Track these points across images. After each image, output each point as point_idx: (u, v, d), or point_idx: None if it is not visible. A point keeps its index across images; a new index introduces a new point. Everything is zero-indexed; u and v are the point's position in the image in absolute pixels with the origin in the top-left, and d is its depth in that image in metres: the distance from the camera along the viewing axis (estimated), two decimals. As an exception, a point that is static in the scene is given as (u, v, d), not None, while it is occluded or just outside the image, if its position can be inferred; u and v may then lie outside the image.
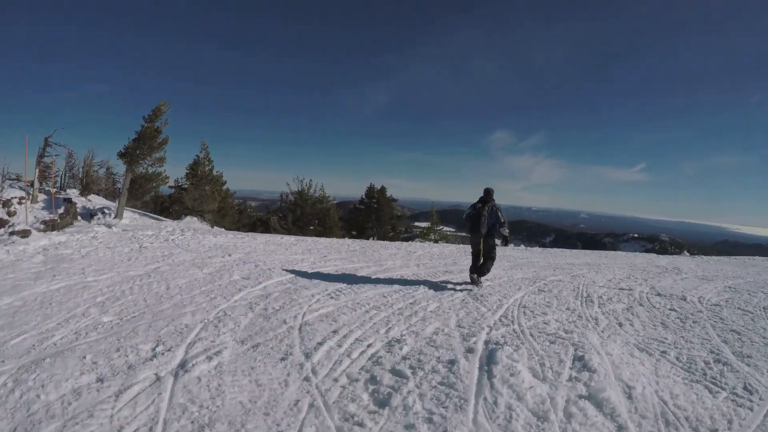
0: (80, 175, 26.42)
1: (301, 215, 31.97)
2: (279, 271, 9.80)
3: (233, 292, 7.76)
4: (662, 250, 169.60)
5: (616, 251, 22.06)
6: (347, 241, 17.54)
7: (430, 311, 7.03)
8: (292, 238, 16.82)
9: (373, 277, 9.78)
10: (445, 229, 42.12)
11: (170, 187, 30.10)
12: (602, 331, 6.48)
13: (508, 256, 15.17)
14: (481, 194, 9.62)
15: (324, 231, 31.58)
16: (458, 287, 9.14)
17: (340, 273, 10.07)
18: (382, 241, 18.23)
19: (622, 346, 5.81)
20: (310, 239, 16.91)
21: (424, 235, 38.91)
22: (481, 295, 8.38)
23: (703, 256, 21.11)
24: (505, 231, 9.31)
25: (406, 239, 39.48)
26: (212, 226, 24.97)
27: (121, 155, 21.24)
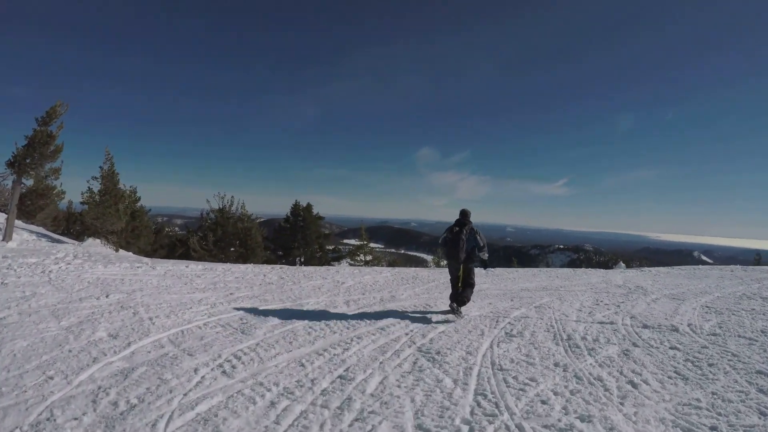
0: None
1: (222, 235, 29.26)
2: (162, 322, 7.32)
3: (83, 366, 5.23)
4: (587, 259, 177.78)
5: (564, 269, 20.67)
6: (264, 269, 15.04)
7: (370, 394, 4.76)
8: (199, 267, 14.23)
9: (289, 325, 7.46)
10: (374, 246, 40.80)
11: (82, 202, 26.45)
12: (621, 403, 4.62)
13: (446, 282, 13.30)
14: (457, 216, 9.09)
15: (246, 253, 28.96)
16: (404, 332, 7.30)
17: (244, 322, 7.64)
18: (305, 268, 15.93)
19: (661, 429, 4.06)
20: (220, 268, 14.38)
21: (352, 255, 36.96)
22: (438, 352, 6.27)
23: (647, 269, 20.11)
24: (485, 255, 8.93)
25: (335, 258, 37.38)
26: (117, 250, 21.96)
27: (9, 164, 18.14)
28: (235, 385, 4.85)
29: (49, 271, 11.31)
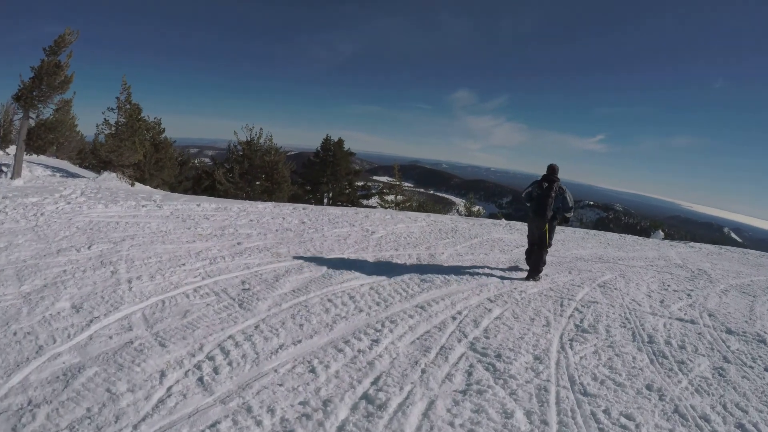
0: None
1: (249, 168, 27.76)
2: (142, 287, 5.75)
3: (21, 361, 3.72)
4: (616, 219, 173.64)
5: (611, 234, 18.58)
6: (285, 209, 13.36)
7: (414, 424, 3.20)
8: (212, 206, 12.61)
9: (302, 296, 5.87)
10: (405, 184, 39.28)
11: (97, 134, 24.31)
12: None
13: (491, 240, 11.65)
14: (544, 172, 8.24)
15: (272, 187, 27.47)
16: (450, 315, 5.70)
17: (246, 288, 6.07)
18: (331, 209, 14.25)
19: None
20: (235, 207, 12.75)
21: (382, 194, 35.35)
22: (498, 354, 4.59)
23: (694, 244, 17.83)
24: (570, 215, 8.27)
25: (364, 196, 35.83)
26: (132, 184, 20.56)
27: (17, 98, 16.65)
28: (210, 410, 3.24)
29: (41, 214, 9.80)
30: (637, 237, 18.53)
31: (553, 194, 7.88)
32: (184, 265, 6.91)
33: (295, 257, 7.86)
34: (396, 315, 5.47)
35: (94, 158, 21.95)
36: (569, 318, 6.05)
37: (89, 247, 7.43)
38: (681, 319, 6.51)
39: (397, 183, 34.46)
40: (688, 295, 8.17)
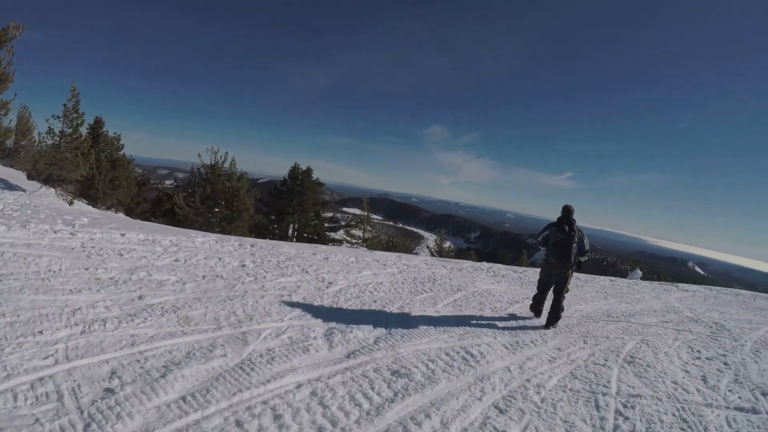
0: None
1: (211, 193, 25.20)
2: None
3: None
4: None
5: (603, 277, 16.70)
6: (228, 245, 10.64)
7: None
8: (140, 236, 9.86)
9: (194, 415, 3.38)
10: (373, 217, 37.32)
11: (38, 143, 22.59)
12: None
13: (479, 293, 9.38)
14: (560, 214, 7.67)
15: (231, 215, 24.90)
16: None
17: (113, 384, 3.59)
18: (285, 247, 11.75)
19: None
20: (167, 240, 10.06)
21: (350, 227, 33.06)
22: None
23: (683, 287, 16.30)
24: (585, 259, 7.68)
25: (331, 229, 33.41)
26: (70, 202, 17.81)
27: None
28: None
29: None
30: (630, 281, 16.80)
31: (576, 238, 7.35)
32: (41, 333, 4.42)
33: (209, 326, 5.31)
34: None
35: (34, 170, 19.20)
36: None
37: None
38: (741, 409, 5.14)
39: (366, 215, 32.25)
40: (725, 363, 6.91)
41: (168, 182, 37.97)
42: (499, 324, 7.26)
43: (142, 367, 4.06)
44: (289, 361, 4.54)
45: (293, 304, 6.56)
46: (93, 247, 8.46)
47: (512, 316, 7.96)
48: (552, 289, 7.79)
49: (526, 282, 11.87)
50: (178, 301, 5.99)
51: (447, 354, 5.42)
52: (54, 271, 6.65)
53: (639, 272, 23.72)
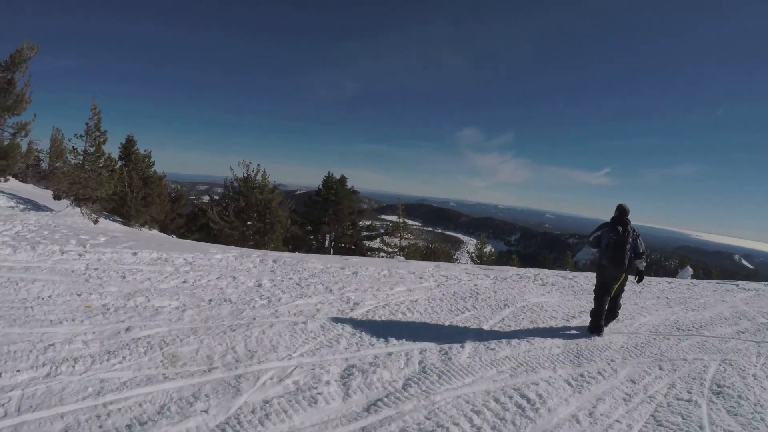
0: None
1: (245, 206, 24.52)
2: None
3: None
4: None
5: (661, 278, 15.30)
6: (249, 261, 9.70)
7: None
8: (152, 255, 9.02)
9: None
10: (411, 223, 36.33)
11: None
12: None
13: (530, 308, 8.18)
14: (613, 213, 7.14)
15: (264, 228, 24.12)
16: None
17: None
18: (312, 261, 10.75)
19: None
20: (182, 258, 9.16)
21: (388, 234, 32.04)
22: None
23: (743, 284, 15.23)
24: (642, 264, 6.95)
25: (368, 237, 32.43)
26: (95, 221, 17.19)
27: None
28: None
29: None
30: (684, 281, 15.40)
31: (631, 239, 6.78)
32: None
33: (199, 367, 4.28)
34: None
35: (58, 190, 18.71)
36: None
37: None
38: None
39: (402, 222, 31.17)
40: None
41: (205, 197, 37.79)
42: (557, 348, 6.02)
43: (100, 427, 3.10)
44: (289, 420, 3.44)
45: (308, 334, 5.43)
46: (96, 269, 7.61)
47: (570, 336, 6.72)
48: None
49: (579, 291, 10.52)
50: (169, 334, 4.99)
51: (496, 400, 4.22)
52: (43, 298, 5.81)
53: (690, 270, 22.11)
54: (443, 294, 8.78)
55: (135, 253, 9.29)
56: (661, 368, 5.65)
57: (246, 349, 4.79)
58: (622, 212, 7.00)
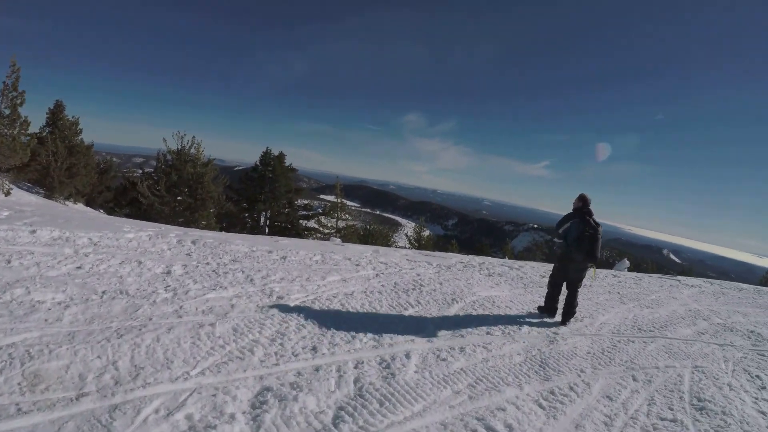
0: None
1: (178, 180, 22.77)
2: None
3: None
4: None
5: (609, 271, 14.86)
6: (165, 242, 8.34)
7: None
8: (54, 233, 7.53)
9: None
10: (350, 204, 35.36)
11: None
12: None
13: (480, 302, 7.28)
14: (575, 203, 6.86)
15: (195, 204, 22.50)
16: None
17: None
18: (236, 243, 9.55)
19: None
20: (87, 237, 7.79)
21: (325, 214, 30.91)
22: None
23: (686, 280, 15.27)
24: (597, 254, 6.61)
25: (305, 217, 31.16)
26: (7, 193, 15.29)
27: None
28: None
29: None
30: (627, 273, 15.73)
31: (600, 234, 6.55)
32: None
33: (65, 393, 3.13)
34: None
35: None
36: None
37: None
38: None
39: (339, 203, 30.01)
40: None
41: (139, 171, 35.34)
42: (518, 355, 5.16)
43: None
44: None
45: (215, 342, 4.30)
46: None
47: (529, 337, 5.92)
48: (565, 284, 7.08)
49: (529, 283, 9.84)
50: (40, 342, 3.79)
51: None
52: None
53: (627, 262, 22.03)
54: (383, 285, 7.81)
55: (33, 231, 7.90)
56: (635, 379, 4.99)
57: (131, 364, 3.66)
58: (585, 203, 6.77)
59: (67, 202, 22.29)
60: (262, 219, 30.37)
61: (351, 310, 6.15)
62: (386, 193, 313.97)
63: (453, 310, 6.85)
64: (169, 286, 5.87)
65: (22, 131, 16.59)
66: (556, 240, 7.04)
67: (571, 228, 6.64)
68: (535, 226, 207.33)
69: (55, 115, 23.79)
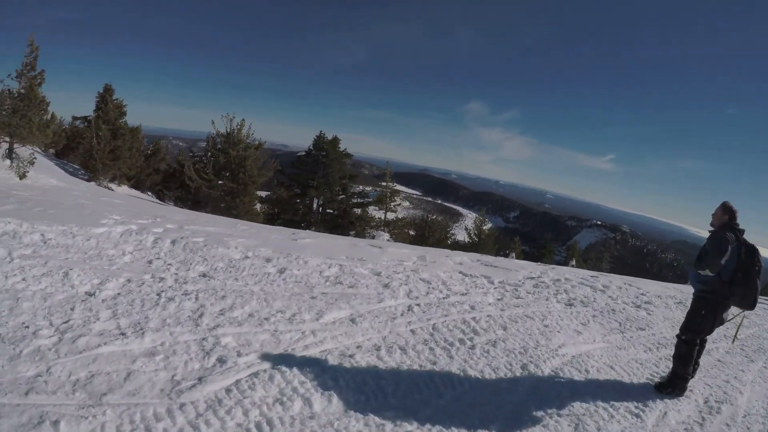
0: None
1: (226, 164, 21.39)
2: None
3: None
4: (623, 241, 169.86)
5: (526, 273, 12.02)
6: (146, 234, 6.73)
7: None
8: (57, 228, 6.18)
9: None
10: (412, 192, 33.42)
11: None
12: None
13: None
14: (722, 216, 4.53)
15: (237, 188, 20.93)
16: None
17: None
18: (236, 239, 7.68)
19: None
20: (35, 235, 6.11)
21: (381, 203, 28.93)
22: None
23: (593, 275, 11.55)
24: None
25: (358, 205, 29.18)
26: (22, 176, 13.98)
27: None
28: None
29: None
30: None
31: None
32: None
33: None
34: None
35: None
36: None
37: None
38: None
39: (389, 191, 27.89)
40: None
41: (191, 153, 34.07)
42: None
43: None
44: None
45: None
46: None
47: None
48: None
49: (624, 320, 6.92)
50: None
51: None
52: None
53: (513, 254, 20.70)
54: (412, 332, 5.10)
55: (20, 225, 6.29)
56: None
57: None
58: (733, 216, 4.51)
59: (111, 185, 21.62)
60: (315, 205, 28.82)
61: (343, 396, 3.54)
62: (448, 182, 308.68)
63: (522, 392, 4.14)
64: (65, 321, 3.85)
65: (41, 112, 15.53)
66: (699, 272, 4.50)
67: (730, 260, 4.32)
68: (599, 222, 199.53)
69: (104, 98, 23.19)
